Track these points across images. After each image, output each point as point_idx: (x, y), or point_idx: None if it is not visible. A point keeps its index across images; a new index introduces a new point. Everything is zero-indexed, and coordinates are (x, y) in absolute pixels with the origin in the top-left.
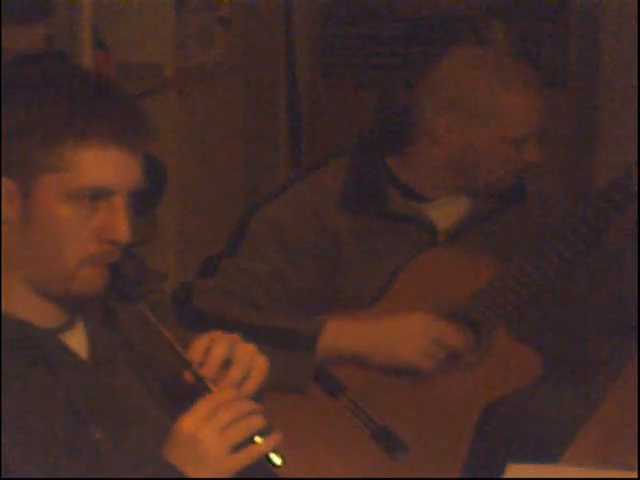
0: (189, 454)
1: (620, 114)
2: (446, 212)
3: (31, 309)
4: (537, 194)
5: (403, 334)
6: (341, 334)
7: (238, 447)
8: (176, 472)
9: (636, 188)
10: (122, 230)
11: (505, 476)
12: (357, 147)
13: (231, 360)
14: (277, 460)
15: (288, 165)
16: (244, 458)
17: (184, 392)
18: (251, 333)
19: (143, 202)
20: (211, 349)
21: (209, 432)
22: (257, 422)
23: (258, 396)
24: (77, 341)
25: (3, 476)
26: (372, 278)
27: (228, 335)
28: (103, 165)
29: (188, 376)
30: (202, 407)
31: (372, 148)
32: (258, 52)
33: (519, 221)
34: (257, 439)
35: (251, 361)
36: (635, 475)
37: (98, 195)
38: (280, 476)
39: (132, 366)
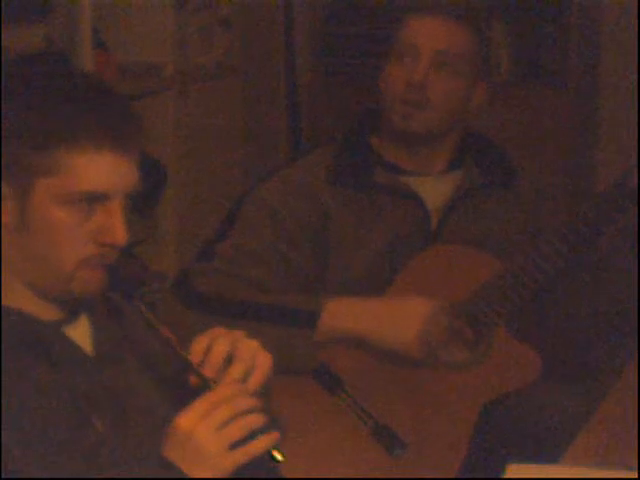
0: (186, 452)
1: (620, 114)
2: (435, 191)
3: (32, 303)
4: (537, 193)
5: (404, 318)
6: (342, 313)
7: (236, 444)
8: (175, 470)
9: (636, 188)
10: (119, 233)
11: (505, 476)
12: (344, 132)
13: (232, 357)
14: (278, 456)
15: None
16: (241, 455)
17: (186, 390)
18: (251, 311)
19: (143, 202)
20: (211, 348)
21: (206, 430)
22: (255, 419)
23: (264, 392)
24: (80, 334)
25: (3, 476)
26: (363, 253)
27: (230, 332)
28: (98, 169)
29: (190, 376)
30: (199, 405)
31: (357, 131)
32: (258, 52)
33: (515, 213)
34: (256, 436)
35: (253, 358)
36: (635, 475)
37: (94, 199)
38: (280, 474)
39: (136, 362)
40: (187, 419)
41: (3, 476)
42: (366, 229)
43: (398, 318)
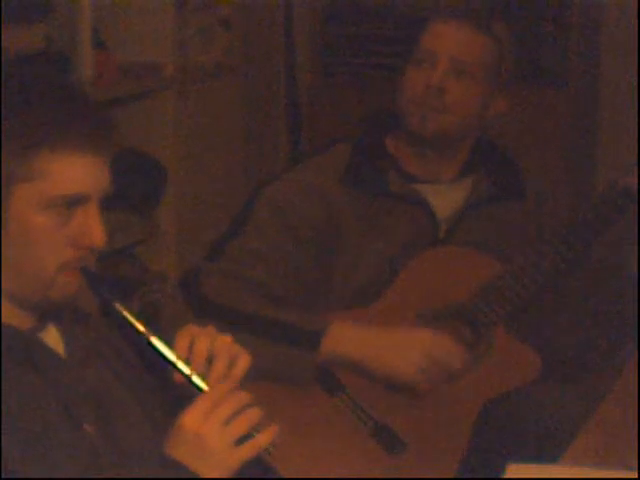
0: (194, 451)
1: (620, 114)
2: (445, 199)
3: (10, 314)
4: (536, 193)
5: (404, 349)
6: (343, 338)
7: (239, 440)
8: (184, 469)
9: (636, 189)
10: (98, 235)
11: (505, 476)
12: (360, 133)
13: (212, 355)
14: (270, 447)
15: (288, 165)
16: (248, 450)
17: (172, 388)
18: (257, 324)
19: (143, 202)
20: (194, 345)
21: (212, 427)
22: (256, 413)
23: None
24: (53, 340)
25: (3, 476)
26: (369, 257)
27: (205, 328)
28: (76, 173)
29: (177, 374)
30: (202, 403)
31: (373, 132)
32: (258, 52)
33: (520, 221)
34: (256, 431)
35: (231, 352)
36: (635, 475)
37: (73, 202)
38: (280, 474)
39: (109, 362)
40: (192, 418)
41: (3, 476)
42: (374, 234)
43: (401, 349)
